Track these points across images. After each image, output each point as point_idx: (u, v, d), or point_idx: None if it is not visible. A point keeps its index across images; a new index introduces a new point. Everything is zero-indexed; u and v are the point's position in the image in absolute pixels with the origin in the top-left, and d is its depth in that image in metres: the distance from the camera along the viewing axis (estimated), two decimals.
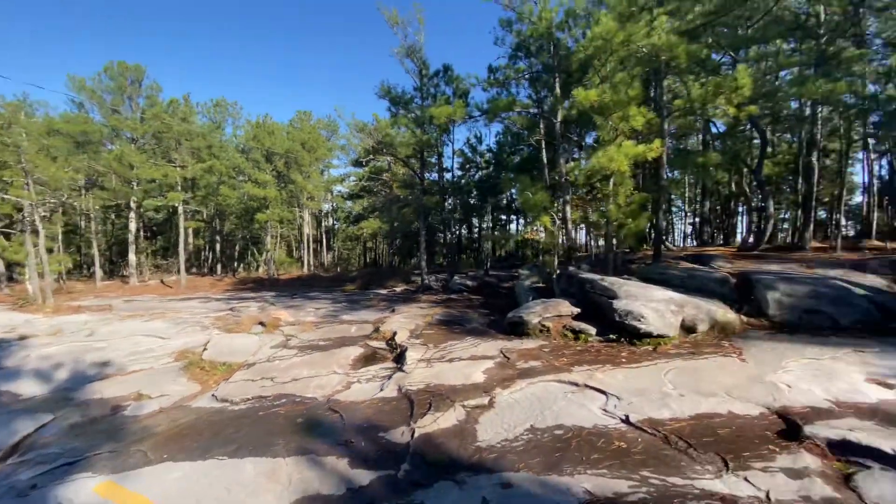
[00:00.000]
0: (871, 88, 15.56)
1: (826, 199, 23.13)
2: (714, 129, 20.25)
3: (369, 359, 6.90)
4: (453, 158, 23.76)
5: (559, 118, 12.97)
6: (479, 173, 28.02)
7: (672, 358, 5.60)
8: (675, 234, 30.60)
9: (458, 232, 32.83)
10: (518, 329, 7.66)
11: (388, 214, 24.81)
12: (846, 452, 3.14)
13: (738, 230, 25.29)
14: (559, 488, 2.94)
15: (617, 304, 6.85)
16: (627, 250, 16.09)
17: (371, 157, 27.53)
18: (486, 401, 4.60)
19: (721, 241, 23.56)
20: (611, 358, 5.85)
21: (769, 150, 18.86)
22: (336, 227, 41.82)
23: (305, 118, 34.56)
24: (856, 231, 23.08)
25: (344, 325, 9.64)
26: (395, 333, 8.04)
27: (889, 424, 3.46)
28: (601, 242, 19.74)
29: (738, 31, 13.96)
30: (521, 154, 24.05)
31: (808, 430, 3.44)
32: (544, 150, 14.50)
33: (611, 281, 7.93)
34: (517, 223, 32.12)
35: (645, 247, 17.14)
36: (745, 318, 7.18)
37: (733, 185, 22.28)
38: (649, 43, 9.02)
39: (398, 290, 17.49)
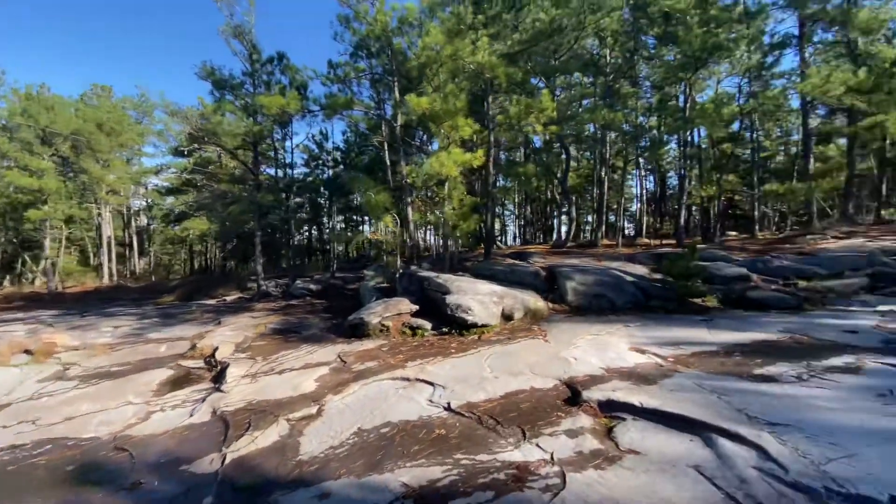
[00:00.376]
0: (641, 119, 20.10)
1: (615, 206, 28.92)
2: (535, 144, 23.50)
3: (180, 382, 5.93)
4: (293, 154, 22.26)
5: (399, 122, 13.28)
6: (328, 172, 26.87)
7: (493, 344, 6.22)
8: (509, 234, 34.54)
9: (307, 233, 30.98)
10: (359, 331, 7.56)
11: (216, 213, 21.87)
12: (611, 410, 3.87)
13: (555, 230, 29.83)
14: (378, 487, 2.94)
15: (449, 298, 7.32)
16: (465, 249, 17.46)
17: (196, 146, 23.98)
18: (314, 410, 4.38)
19: (541, 240, 27.39)
20: (442, 350, 6.20)
21: (574, 164, 22.80)
22: (152, 227, 35.23)
23: (104, 94, 28.19)
24: (634, 231, 29.40)
25: (151, 345, 8.10)
26: (216, 349, 7.10)
27: (641, 383, 4.40)
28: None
29: (551, 61, 16.41)
30: (369, 154, 23.92)
31: (585, 394, 4.16)
32: (387, 152, 14.67)
33: (445, 278, 8.45)
34: (368, 224, 31.87)
35: (481, 246, 18.79)
36: (551, 305, 8.44)
37: (549, 193, 26.17)
38: (475, 60, 9.94)
39: (229, 299, 15.57)
